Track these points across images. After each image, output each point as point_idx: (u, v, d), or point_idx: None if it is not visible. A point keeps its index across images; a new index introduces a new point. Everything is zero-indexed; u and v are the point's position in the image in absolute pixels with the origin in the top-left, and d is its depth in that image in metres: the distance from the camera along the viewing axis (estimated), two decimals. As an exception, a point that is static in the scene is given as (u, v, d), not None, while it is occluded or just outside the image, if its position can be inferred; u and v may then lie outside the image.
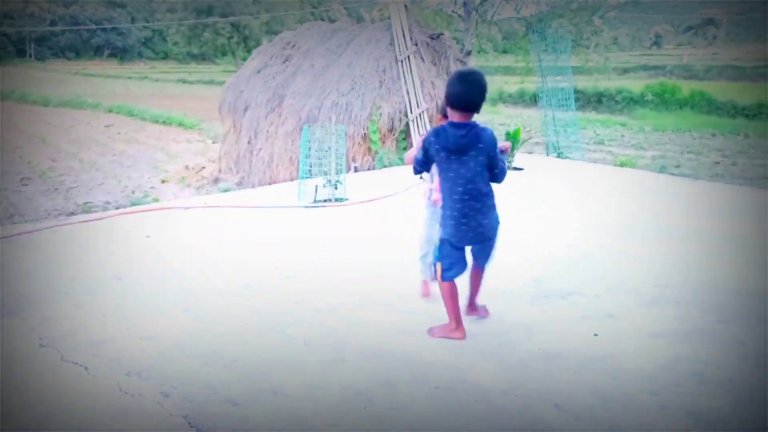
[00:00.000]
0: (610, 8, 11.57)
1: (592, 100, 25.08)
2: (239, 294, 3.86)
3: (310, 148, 6.57)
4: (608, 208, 6.08)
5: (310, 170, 6.54)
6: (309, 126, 6.71)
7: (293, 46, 11.35)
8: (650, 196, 6.59)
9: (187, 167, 13.27)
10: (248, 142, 10.97)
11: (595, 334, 3.32)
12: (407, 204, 6.26)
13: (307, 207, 6.16)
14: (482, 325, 3.43)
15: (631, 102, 24.47)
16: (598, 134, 17.11)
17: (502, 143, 3.09)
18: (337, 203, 6.28)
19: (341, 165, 6.46)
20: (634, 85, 26.25)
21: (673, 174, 8.61)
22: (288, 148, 9.62)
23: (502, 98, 28.03)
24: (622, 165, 9.20)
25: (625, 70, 37.91)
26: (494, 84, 30.61)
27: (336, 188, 6.38)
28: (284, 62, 11.08)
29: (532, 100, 24.49)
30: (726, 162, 13.14)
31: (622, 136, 17.17)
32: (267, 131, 10.46)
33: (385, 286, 4.04)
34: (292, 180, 8.15)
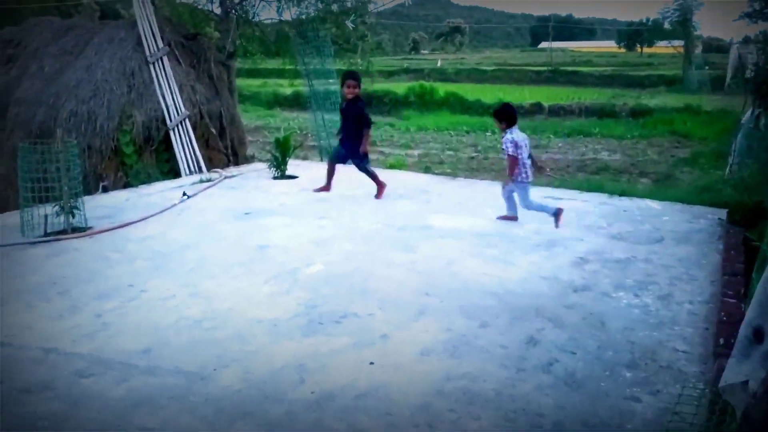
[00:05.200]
0: (367, 14, 11.86)
1: (362, 102, 26.12)
2: None
3: (45, 170, 5.38)
4: (379, 212, 6.06)
5: (44, 196, 5.37)
6: (30, 143, 5.51)
7: (17, 44, 9.51)
8: (416, 197, 6.77)
9: None
10: (-36, 162, 8.90)
11: (371, 363, 3.09)
12: (166, 228, 5.49)
13: (33, 243, 5.02)
14: (249, 373, 2.98)
15: (397, 103, 26.02)
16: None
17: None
18: (76, 234, 5.24)
19: (76, 188, 5.41)
20: (399, 87, 28.04)
21: (435, 174, 9.09)
22: (17, 168, 7.96)
23: (278, 101, 27.73)
24: (391, 167, 9.47)
25: (390, 74, 40.44)
26: (269, 87, 30.18)
27: (72, 216, 5.33)
28: (6, 64, 9.22)
29: (307, 103, 24.59)
30: (479, 157, 14.58)
31: (392, 136, 18.08)
32: (-13, 148, 8.57)
33: (121, 340, 3.33)
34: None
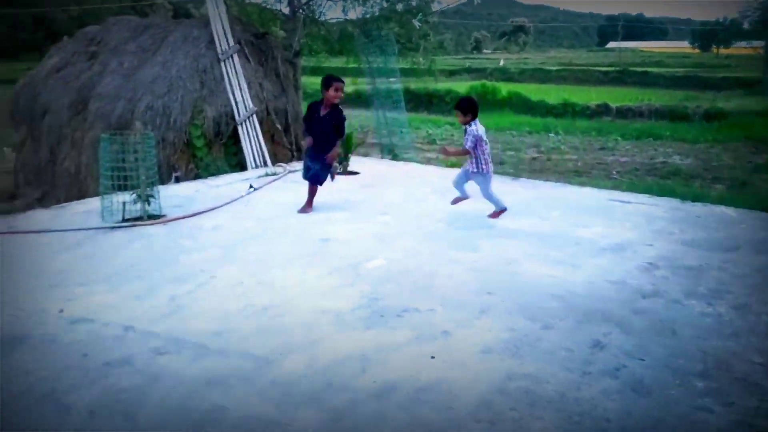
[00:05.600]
0: (431, 13, 11.84)
1: (423, 101, 26.12)
2: (2, 350, 3.07)
3: (124, 160, 5.69)
4: (441, 211, 6.06)
5: (123, 184, 5.67)
6: (111, 134, 5.82)
7: (99, 42, 10.05)
8: (477, 197, 6.72)
9: (-28, 182, 11.24)
10: (50, 152, 9.51)
11: (432, 357, 3.11)
12: (234, 218, 5.69)
13: (112, 228, 5.32)
14: (313, 361, 3.06)
15: (458, 102, 25.79)
16: (430, 134, 17.74)
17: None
18: (151, 221, 5.51)
19: (153, 177, 5.69)
20: (460, 86, 27.85)
21: (497, 173, 8.97)
22: (98, 158, 8.43)
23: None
24: (452, 165, 9.43)
25: (452, 73, 40.24)
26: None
27: (149, 203, 5.61)
28: (89, 60, 9.77)
29: (368, 101, 24.87)
30: (542, 158, 14.31)
31: (452, 135, 17.98)
32: (71, 139, 9.12)
33: (198, 322, 3.49)
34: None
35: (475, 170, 5.72)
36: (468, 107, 5.68)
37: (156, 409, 2.61)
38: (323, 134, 5.71)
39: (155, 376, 2.88)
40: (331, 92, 5.63)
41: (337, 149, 5.93)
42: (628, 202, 6.55)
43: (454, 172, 8.42)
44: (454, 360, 3.10)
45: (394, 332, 3.41)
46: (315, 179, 5.90)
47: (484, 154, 5.68)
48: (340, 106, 5.80)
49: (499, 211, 5.83)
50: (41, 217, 5.71)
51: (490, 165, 5.74)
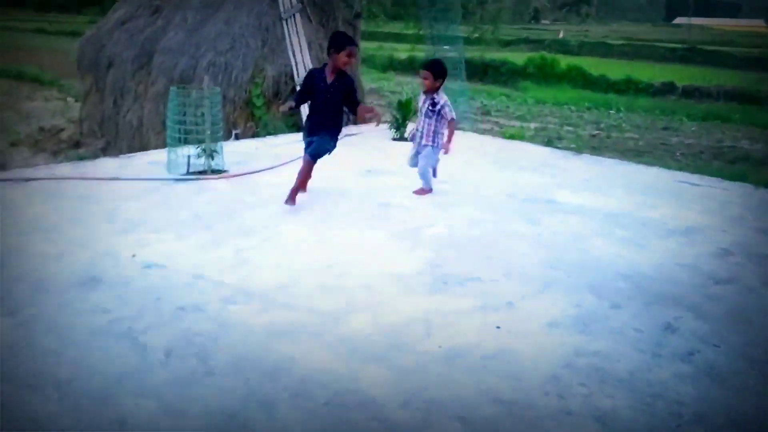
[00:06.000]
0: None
1: (478, 71, 25.54)
2: (79, 291, 3.19)
3: (185, 114, 5.79)
4: (502, 182, 5.95)
5: (185, 138, 5.77)
6: (179, 87, 5.90)
7: (164, -4, 10.16)
8: (539, 169, 6.57)
9: (42, 129, 11.68)
10: (114, 103, 9.76)
11: (498, 327, 3.08)
12: (292, 175, 5.72)
13: (177, 180, 5.43)
14: (378, 321, 3.08)
15: (515, 74, 25.16)
16: (485, 105, 17.37)
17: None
18: (214, 175, 5.61)
19: (218, 132, 5.76)
20: (516, 57, 27.07)
21: (558, 147, 8.75)
22: (159, 112, 8.61)
23: (393, 65, 27.76)
24: (511, 137, 9.24)
25: (508, 43, 39.09)
26: (384, 50, 30.26)
27: (212, 158, 5.70)
28: (153, 14, 9.90)
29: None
30: (601, 135, 13.84)
31: (507, 107, 17.57)
32: (135, 91, 9.33)
33: (264, 275, 3.55)
34: (164, 147, 7.26)
35: (432, 144, 5.21)
36: (441, 71, 5.14)
37: (228, 356, 2.68)
38: (329, 105, 4.74)
39: (225, 324, 2.95)
40: (342, 56, 4.61)
41: (377, 113, 5.03)
42: (697, 185, 6.28)
43: (514, 144, 8.26)
44: (520, 331, 3.06)
45: (458, 299, 3.39)
46: (317, 152, 4.77)
47: (443, 128, 5.19)
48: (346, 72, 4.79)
49: (427, 190, 5.34)
50: (110, 165, 5.88)
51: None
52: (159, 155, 6.20)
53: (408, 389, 2.52)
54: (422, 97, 5.35)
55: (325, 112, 4.80)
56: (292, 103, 4.86)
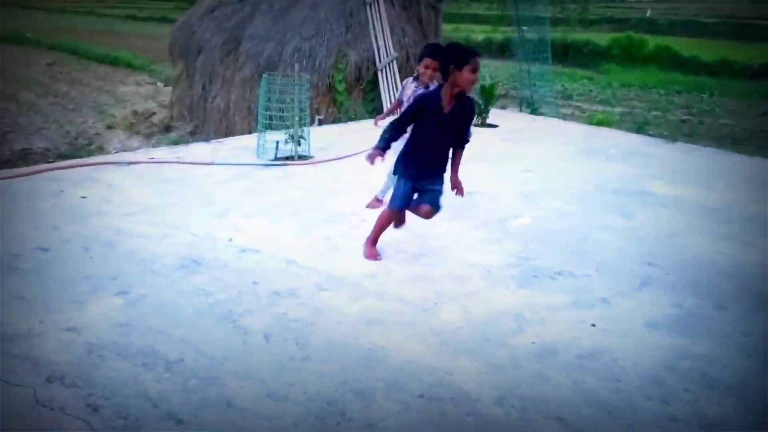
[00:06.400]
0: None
1: (558, 53, 24.61)
2: (182, 272, 3.37)
3: (269, 99, 5.95)
4: (590, 172, 5.74)
5: (270, 123, 5.94)
6: (269, 74, 6.06)
7: (251, -17, 10.41)
8: (629, 158, 6.28)
9: (135, 113, 12.34)
10: (202, 88, 10.15)
11: (593, 325, 2.99)
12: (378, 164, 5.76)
13: (267, 165, 5.60)
14: (468, 313, 3.07)
15: (597, 55, 24.08)
16: (566, 88, 16.77)
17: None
18: (301, 161, 5.74)
19: (305, 118, 5.88)
20: (599, 38, 25.87)
21: (650, 135, 8.33)
22: (246, 97, 8.90)
23: (470, 47, 27.25)
24: (598, 124, 8.88)
25: (591, 23, 37.42)
26: (460, 33, 29.76)
27: (299, 144, 5.83)
28: (241, 1, 10.17)
29: (499, 50, 24.04)
30: (693, 121, 13.05)
31: (590, 90, 16.89)
32: (223, 77, 9.65)
33: (353, 262, 3.61)
34: (250, 132, 7.51)
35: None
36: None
37: (323, 342, 2.76)
38: (444, 139, 3.51)
39: (319, 310, 3.03)
40: (467, 74, 3.29)
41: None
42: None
43: (601, 131, 7.93)
44: (617, 330, 2.96)
45: (549, 294, 3.32)
46: (437, 205, 3.58)
47: None
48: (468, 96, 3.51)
49: (380, 200, 4.42)
50: (202, 150, 6.14)
51: None
52: (247, 140, 6.41)
53: (502, 385, 2.50)
54: (411, 87, 4.23)
55: (437, 149, 3.52)
56: (386, 115, 4.21)
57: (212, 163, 5.52)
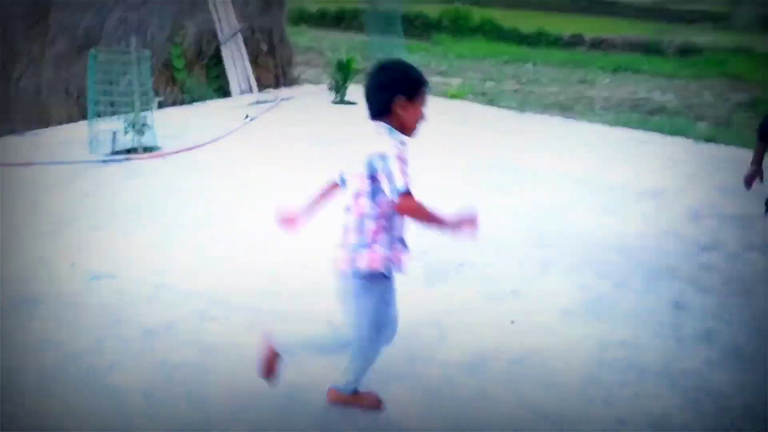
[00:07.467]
0: None
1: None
2: (13, 318, 2.60)
3: (112, 82, 5.00)
4: (459, 147, 5.67)
5: (103, 109, 5.01)
6: (97, 50, 5.07)
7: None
8: (493, 134, 6.35)
9: None
10: (2, 67, 8.45)
11: (512, 321, 2.83)
12: (238, 151, 5.14)
13: (105, 161, 4.71)
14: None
15: (428, 27, 24.80)
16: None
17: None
18: (147, 154, 4.92)
19: (148, 102, 5.04)
20: (429, 9, 26.64)
21: (500, 107, 8.58)
22: (63, 77, 7.54)
23: (304, 18, 26.50)
24: (453, 96, 8.95)
25: (419, -6, 38.46)
26: (293, 2, 28.78)
27: (142, 133, 4.98)
28: (42, -39, 8.55)
29: (334, 21, 23.74)
30: (523, 89, 13.89)
31: (429, 62, 17.25)
32: (29, 53, 8.10)
33: (238, 276, 3.07)
34: (70, 121, 6.36)
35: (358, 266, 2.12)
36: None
37: (224, 392, 2.24)
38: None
39: (209, 348, 2.48)
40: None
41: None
42: (644, 142, 6.34)
43: (457, 104, 7.96)
44: (536, 325, 2.82)
45: (460, 289, 3.11)
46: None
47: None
48: None
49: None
50: (17, 145, 5.01)
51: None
52: (74, 131, 5.38)
53: (446, 413, 2.21)
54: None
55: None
56: None
57: (31, 163, 4.49)
